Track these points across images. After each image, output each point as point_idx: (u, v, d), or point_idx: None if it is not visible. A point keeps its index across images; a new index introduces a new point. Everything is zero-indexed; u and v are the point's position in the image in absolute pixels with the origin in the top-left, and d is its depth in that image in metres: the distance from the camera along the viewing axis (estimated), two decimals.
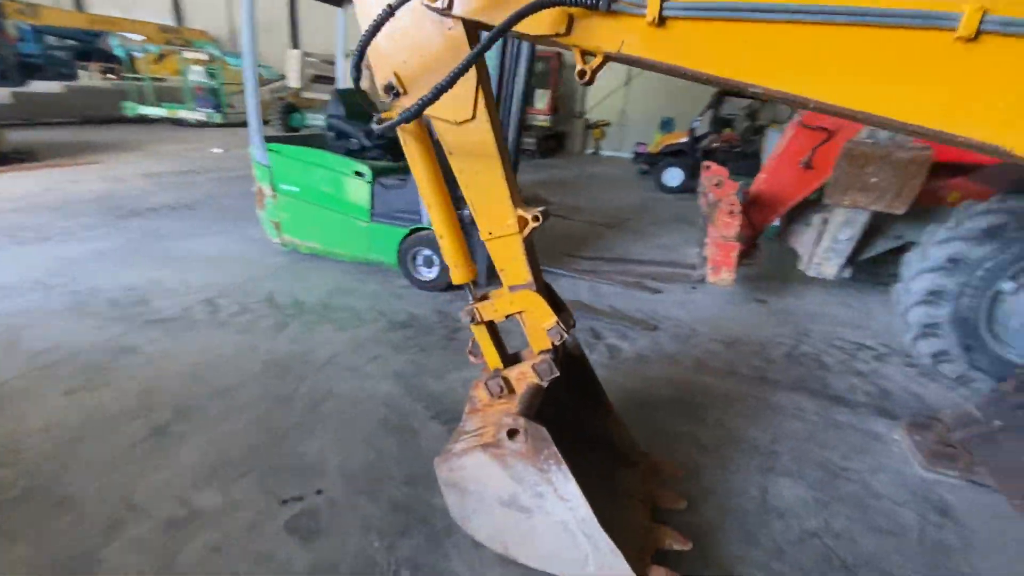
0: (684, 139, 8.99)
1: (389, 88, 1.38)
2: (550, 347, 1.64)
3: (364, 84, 1.40)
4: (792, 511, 2.03)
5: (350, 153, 4.27)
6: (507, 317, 1.68)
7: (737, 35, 1.18)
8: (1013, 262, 2.69)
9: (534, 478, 1.50)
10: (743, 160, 8.20)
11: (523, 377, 1.67)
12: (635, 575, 1.47)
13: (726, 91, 7.77)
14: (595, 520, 1.45)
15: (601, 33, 1.23)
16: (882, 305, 4.21)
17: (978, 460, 2.18)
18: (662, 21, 1.17)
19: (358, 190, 3.87)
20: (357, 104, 4.48)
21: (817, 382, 3.02)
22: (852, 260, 3.67)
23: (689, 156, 8.76)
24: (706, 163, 3.85)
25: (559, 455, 1.45)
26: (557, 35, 1.24)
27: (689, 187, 8.45)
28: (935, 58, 1.16)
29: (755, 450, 2.38)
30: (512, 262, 1.59)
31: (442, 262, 3.67)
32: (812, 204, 4.03)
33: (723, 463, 2.28)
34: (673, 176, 8.94)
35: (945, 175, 3.36)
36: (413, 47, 1.35)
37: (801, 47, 1.17)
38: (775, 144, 4.36)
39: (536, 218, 1.50)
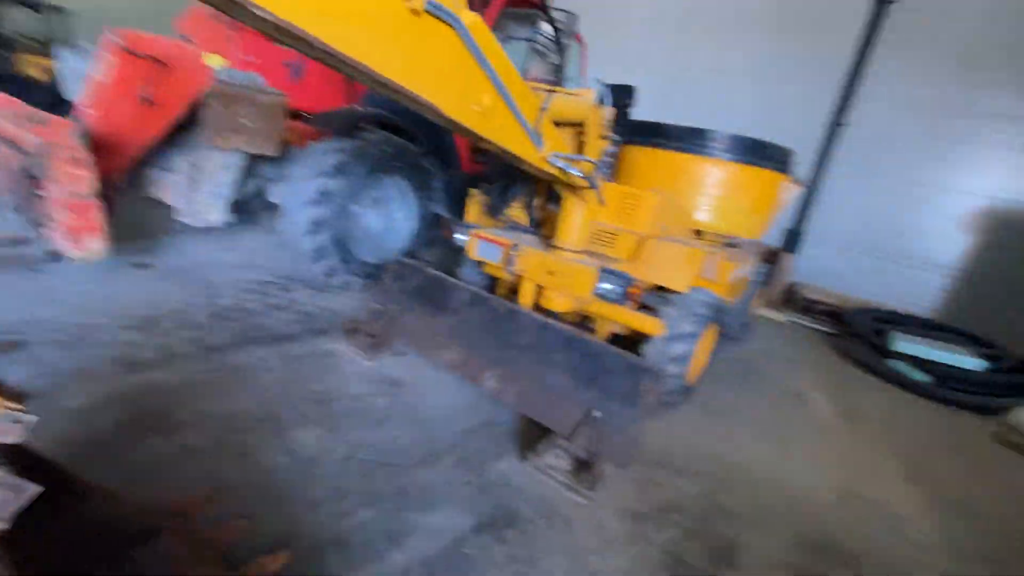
0: None
1: None
2: None
3: None
4: (321, 451, 2.11)
5: None
6: None
7: None
8: (355, 191, 3.56)
9: None
10: None
11: None
12: None
13: None
14: None
15: None
16: (257, 242, 4.53)
17: (397, 338, 2.97)
18: None
19: None
20: None
21: (256, 330, 3.04)
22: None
23: None
24: None
25: None
26: None
27: None
28: (396, 22, 1.32)
29: (255, 419, 2.22)
30: None
31: None
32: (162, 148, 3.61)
33: (241, 450, 2.01)
34: None
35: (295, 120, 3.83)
36: None
37: None
38: (85, 70, 3.47)
39: None
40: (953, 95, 5.97)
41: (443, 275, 2.95)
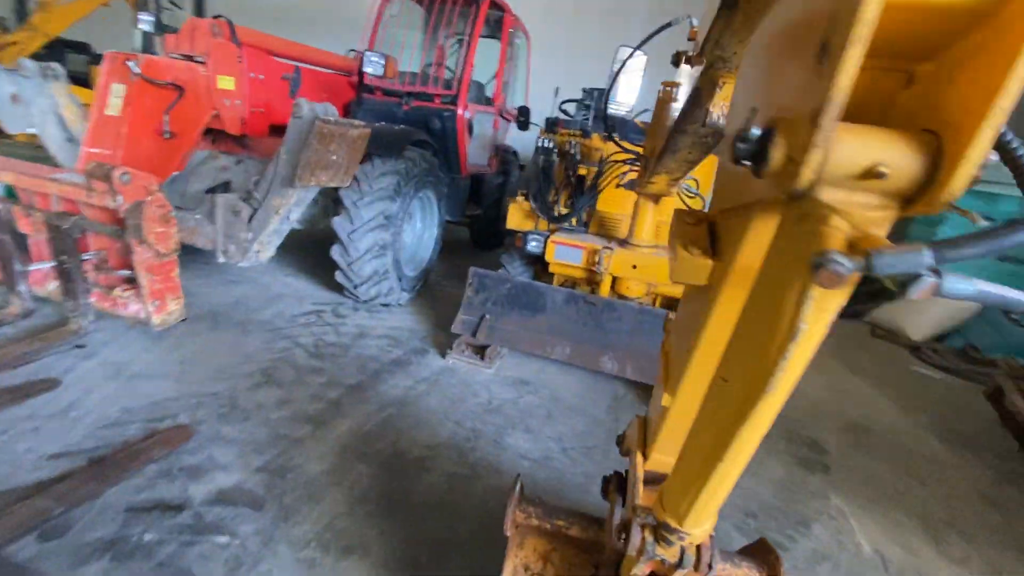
0: None
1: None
2: None
3: None
4: (540, 449, 2.50)
5: None
6: None
7: None
8: (404, 208, 3.65)
9: None
10: None
11: None
12: None
13: None
14: None
15: None
16: (256, 270, 4.23)
17: (502, 343, 3.31)
18: None
19: None
20: None
21: (367, 361, 3.10)
22: None
23: None
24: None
25: None
26: None
27: None
28: None
29: (464, 438, 2.48)
30: None
31: None
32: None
33: (488, 465, 2.31)
34: None
35: None
36: None
37: None
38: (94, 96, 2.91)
39: None
40: None
41: (530, 281, 3.35)
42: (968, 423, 3.58)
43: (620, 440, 1.51)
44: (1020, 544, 2.39)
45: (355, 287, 3.61)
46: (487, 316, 3.37)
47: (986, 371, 4.62)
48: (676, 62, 1.25)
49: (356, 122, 2.86)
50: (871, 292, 0.53)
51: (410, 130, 3.75)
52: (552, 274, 4.11)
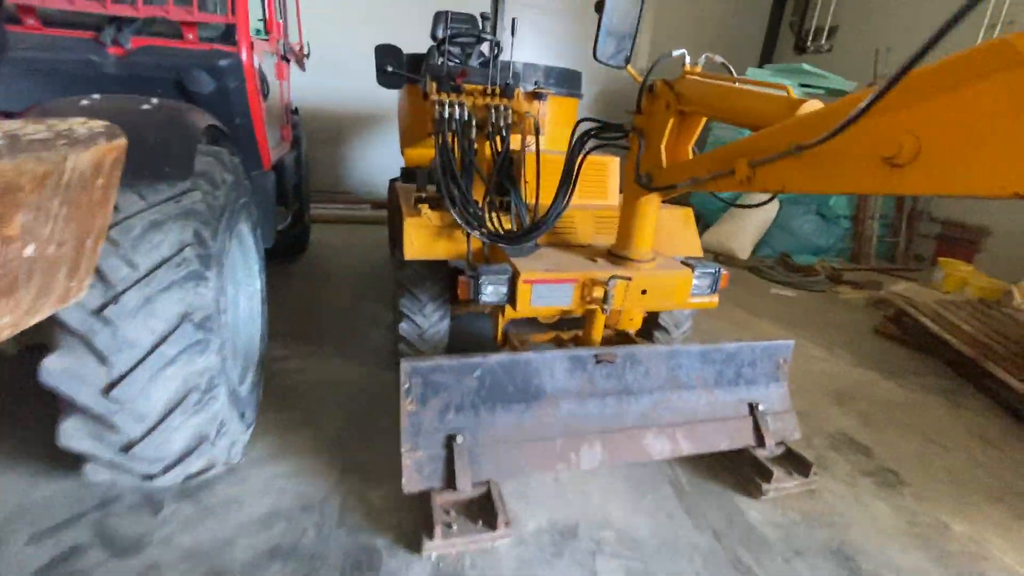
0: None
1: None
2: None
3: None
4: None
5: None
6: None
7: None
8: (221, 277, 1.71)
9: None
10: None
11: None
12: None
13: None
14: None
15: None
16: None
17: (497, 477, 1.94)
18: None
19: None
20: None
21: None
22: None
23: None
24: None
25: None
26: None
27: None
28: None
29: None
30: None
31: None
32: None
33: None
34: None
35: None
36: None
37: None
38: None
39: None
40: None
41: (511, 355, 2.01)
42: (867, 343, 3.88)
43: None
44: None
45: (150, 477, 1.63)
46: (459, 438, 1.91)
47: (814, 279, 5.28)
48: None
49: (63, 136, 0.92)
50: None
51: (179, 107, 1.69)
52: (494, 315, 2.77)
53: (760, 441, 2.27)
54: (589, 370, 2.12)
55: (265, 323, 2.41)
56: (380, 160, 7.28)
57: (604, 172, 2.84)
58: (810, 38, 8.19)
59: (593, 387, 2.13)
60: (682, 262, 2.40)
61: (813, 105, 1.39)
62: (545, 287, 2.13)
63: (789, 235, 6.23)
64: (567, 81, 3.74)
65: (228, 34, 2.24)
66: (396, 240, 3.82)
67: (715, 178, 1.64)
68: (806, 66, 6.26)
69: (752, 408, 2.33)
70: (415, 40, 6.20)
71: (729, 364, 2.32)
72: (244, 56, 2.27)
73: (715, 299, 2.45)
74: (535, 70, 3.55)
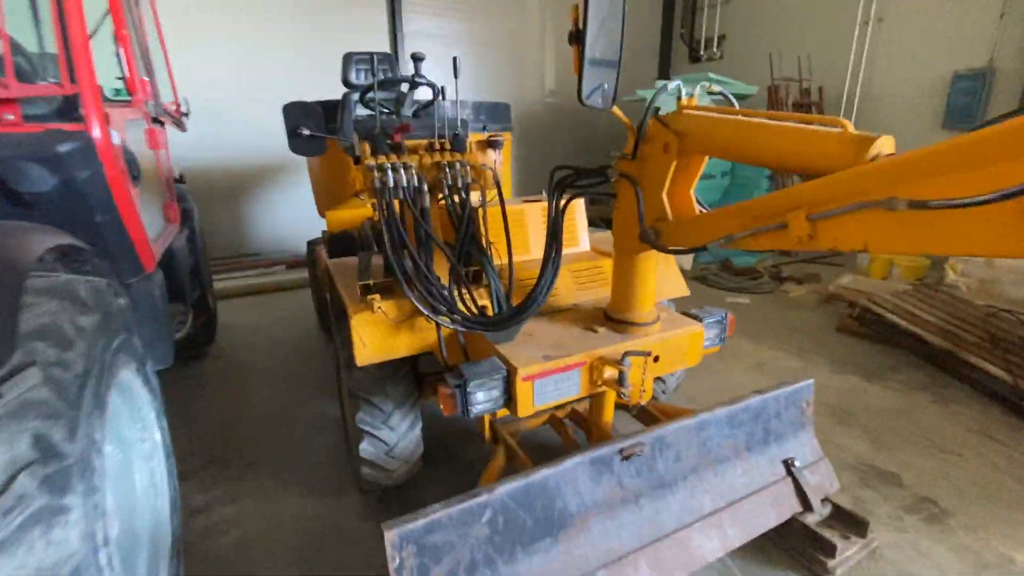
0: None
1: None
2: None
3: None
4: None
5: None
6: None
7: None
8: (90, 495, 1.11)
9: None
10: None
11: None
12: None
13: None
14: None
15: None
16: None
17: None
18: None
19: None
20: None
21: None
22: None
23: None
24: None
25: None
26: None
27: None
28: None
29: None
30: None
31: None
32: None
33: None
34: None
35: None
36: None
37: None
38: None
39: None
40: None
41: (524, 481, 1.57)
42: (834, 344, 3.84)
43: None
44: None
45: None
46: None
47: (760, 281, 5.31)
48: None
49: None
50: None
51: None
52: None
53: (806, 504, 1.99)
54: (616, 470, 1.73)
55: (175, 486, 1.76)
56: (290, 212, 6.52)
57: (571, 215, 2.51)
58: (702, 47, 8.57)
59: (624, 491, 1.74)
60: (686, 314, 2.10)
61: (886, 143, 1.11)
62: (549, 380, 1.71)
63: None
64: (499, 116, 3.40)
65: (69, 107, 1.63)
66: (326, 315, 3.23)
67: (756, 234, 1.32)
68: (711, 75, 6.43)
69: (787, 466, 2.06)
70: (308, 80, 5.57)
71: (757, 421, 2.03)
72: (96, 133, 1.67)
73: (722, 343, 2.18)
74: (462, 107, 3.18)
